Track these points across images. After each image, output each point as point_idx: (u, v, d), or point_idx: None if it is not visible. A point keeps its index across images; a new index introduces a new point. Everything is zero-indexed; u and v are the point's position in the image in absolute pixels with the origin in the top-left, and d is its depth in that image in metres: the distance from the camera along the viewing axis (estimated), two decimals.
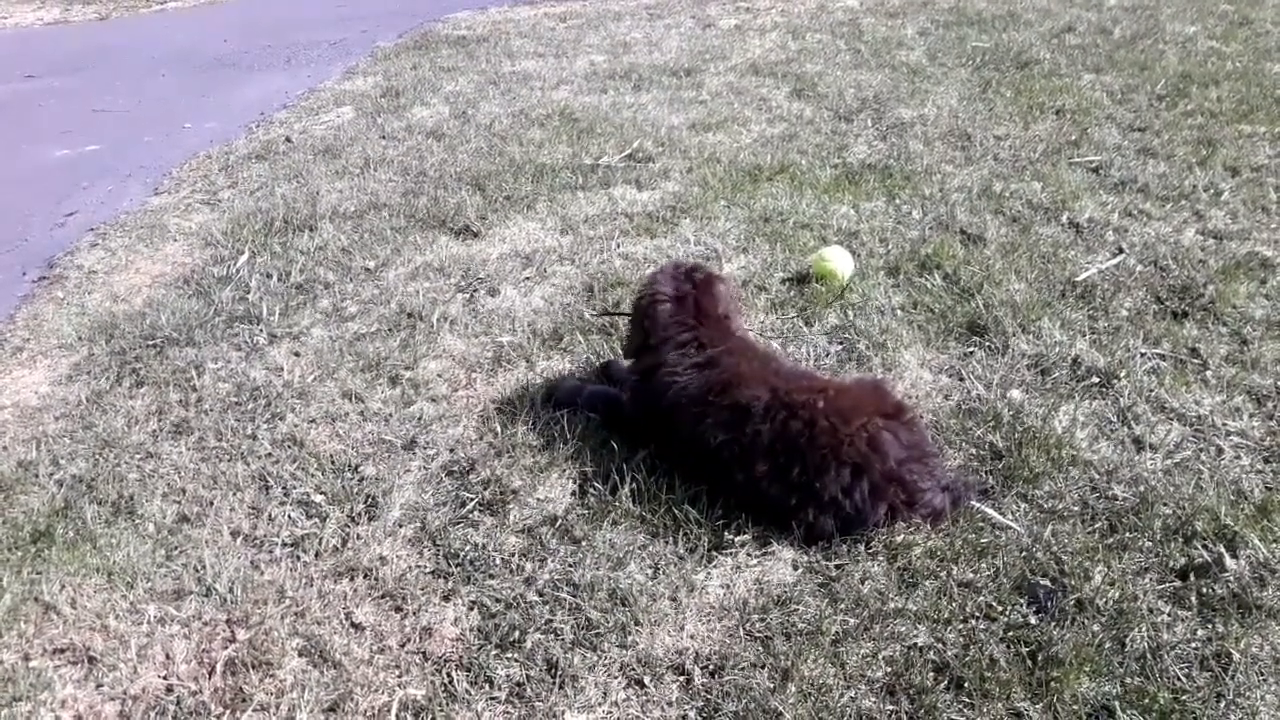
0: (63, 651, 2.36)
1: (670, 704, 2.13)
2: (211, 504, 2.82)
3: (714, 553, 2.51)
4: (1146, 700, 2.02)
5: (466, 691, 2.19)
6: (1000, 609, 2.27)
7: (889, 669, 2.15)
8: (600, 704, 2.14)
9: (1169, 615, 2.23)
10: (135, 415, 3.27)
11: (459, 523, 2.70)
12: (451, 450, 2.99)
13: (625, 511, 2.64)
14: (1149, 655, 2.13)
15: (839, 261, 3.79)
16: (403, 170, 5.40)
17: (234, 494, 2.86)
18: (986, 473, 2.73)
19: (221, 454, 3.05)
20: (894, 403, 2.64)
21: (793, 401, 2.53)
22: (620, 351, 3.40)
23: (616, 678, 2.20)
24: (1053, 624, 2.21)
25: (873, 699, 2.09)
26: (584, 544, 2.56)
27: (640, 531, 2.59)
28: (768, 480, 2.51)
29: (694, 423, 2.65)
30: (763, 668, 2.18)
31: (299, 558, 2.61)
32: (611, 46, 7.99)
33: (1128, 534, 2.47)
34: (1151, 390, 3.05)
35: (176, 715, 2.19)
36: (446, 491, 2.83)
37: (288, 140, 6.16)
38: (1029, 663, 2.13)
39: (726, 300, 2.94)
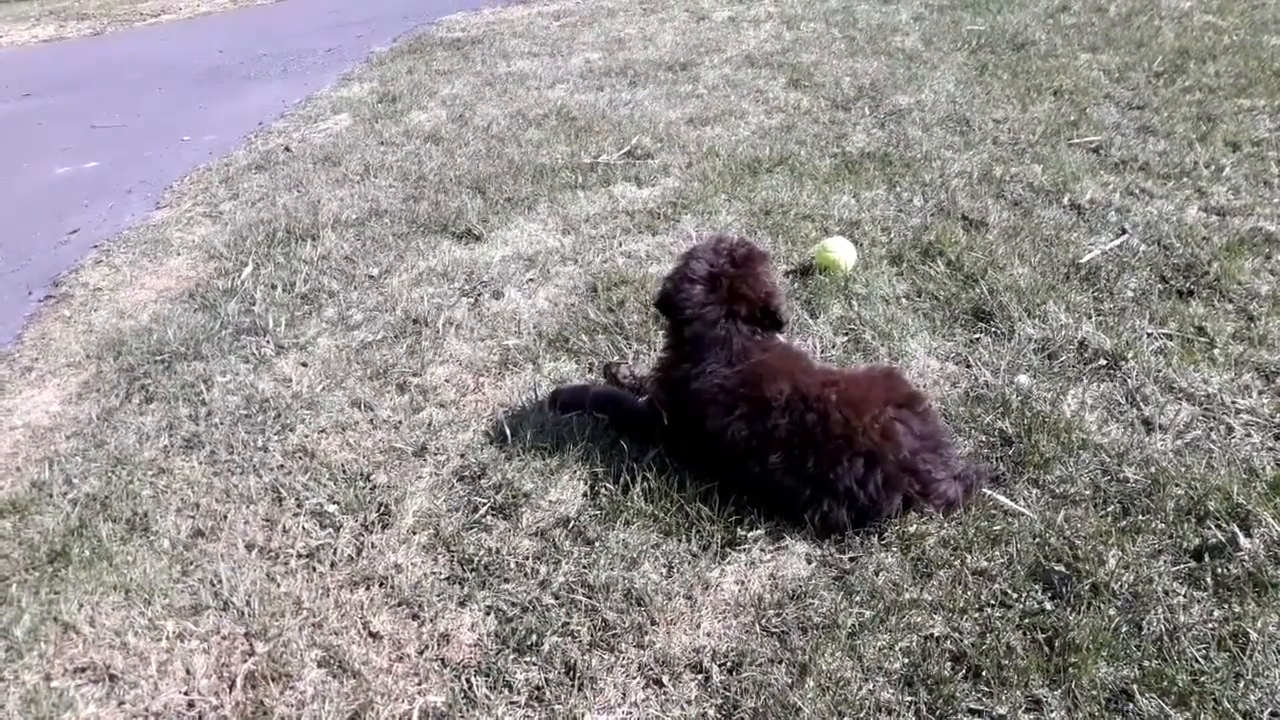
0: (83, 670, 2.38)
1: (689, 702, 2.14)
2: (225, 518, 2.83)
3: (727, 549, 2.51)
4: (1165, 683, 2.02)
5: (486, 697, 2.19)
6: (1016, 596, 2.27)
7: (906, 660, 2.16)
8: (620, 705, 2.15)
9: (1185, 597, 2.23)
10: (146, 431, 3.28)
11: (472, 528, 2.70)
12: (462, 455, 2.99)
13: (637, 511, 2.64)
14: (1166, 637, 2.13)
15: (842, 252, 3.80)
16: (402, 176, 5.40)
17: (247, 507, 2.87)
18: (997, 459, 2.73)
19: (233, 467, 3.06)
20: (907, 392, 2.64)
21: (807, 394, 2.53)
22: (623, 353, 3.41)
23: (635, 678, 2.21)
24: (1068, 609, 2.21)
25: (891, 690, 2.10)
26: (597, 545, 2.56)
27: (653, 530, 2.59)
28: (782, 472, 2.51)
29: (721, 417, 2.61)
30: (780, 663, 2.18)
31: (314, 568, 2.62)
32: (606, 43, 7.98)
33: (1140, 516, 2.47)
34: (1159, 370, 3.04)
35: None
36: (459, 497, 2.83)
37: (287, 150, 6.16)
38: (1046, 649, 2.14)
39: (766, 286, 2.78)
